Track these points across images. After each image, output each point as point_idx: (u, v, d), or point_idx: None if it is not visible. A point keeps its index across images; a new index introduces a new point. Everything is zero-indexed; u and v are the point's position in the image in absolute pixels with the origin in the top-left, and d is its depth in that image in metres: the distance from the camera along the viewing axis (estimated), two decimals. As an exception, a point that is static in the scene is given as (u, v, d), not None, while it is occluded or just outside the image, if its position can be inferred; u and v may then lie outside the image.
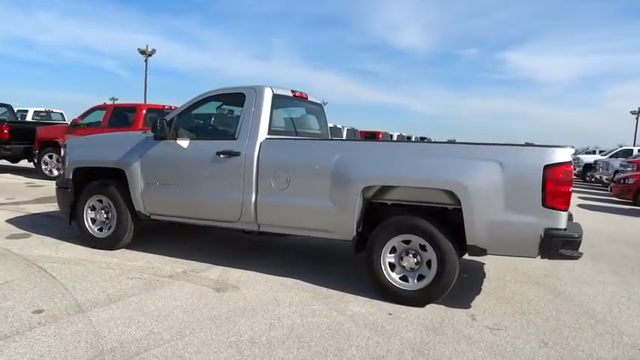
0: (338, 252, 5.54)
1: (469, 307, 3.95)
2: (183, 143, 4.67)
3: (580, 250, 3.59)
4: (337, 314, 3.64)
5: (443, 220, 3.85)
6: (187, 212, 4.74)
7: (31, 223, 6.19)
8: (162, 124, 4.64)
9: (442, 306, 3.88)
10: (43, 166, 11.03)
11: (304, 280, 4.35)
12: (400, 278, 3.93)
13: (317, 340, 3.15)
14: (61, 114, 19.50)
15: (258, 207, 4.35)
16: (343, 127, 18.25)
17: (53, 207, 7.45)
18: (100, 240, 5.12)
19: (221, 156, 4.46)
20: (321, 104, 5.67)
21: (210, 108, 5.20)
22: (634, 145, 25.03)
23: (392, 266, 3.96)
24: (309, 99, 5.34)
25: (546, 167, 3.45)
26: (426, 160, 3.81)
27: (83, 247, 5.13)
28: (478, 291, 4.38)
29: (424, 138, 31.13)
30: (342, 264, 5.08)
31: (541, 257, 3.61)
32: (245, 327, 3.31)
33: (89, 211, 5.18)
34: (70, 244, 5.25)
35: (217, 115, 5.18)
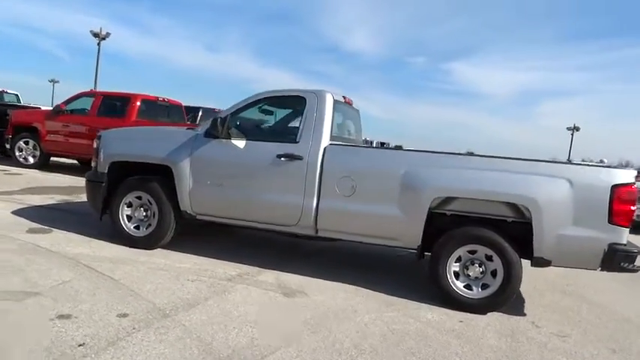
0: (375, 257, 5.65)
1: (524, 314, 4.18)
2: (239, 143, 4.59)
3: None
4: (414, 321, 3.74)
5: (504, 232, 4.05)
6: (240, 214, 4.66)
7: (42, 217, 5.79)
8: (219, 123, 4.53)
9: (501, 313, 4.08)
10: (17, 153, 10.25)
11: (361, 286, 4.41)
12: (464, 286, 4.10)
13: (416, 347, 3.25)
14: (17, 95, 18.23)
15: (320, 212, 4.36)
16: None
17: (51, 199, 7.06)
18: (137, 238, 4.91)
19: (282, 159, 4.44)
20: (358, 110, 5.75)
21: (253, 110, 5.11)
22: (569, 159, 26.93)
23: (456, 275, 4.12)
24: (352, 105, 5.41)
25: (614, 187, 3.73)
26: (496, 175, 3.99)
27: (118, 245, 4.90)
28: (522, 300, 4.63)
29: (384, 143, 31.69)
30: (387, 269, 5.21)
31: (601, 270, 3.89)
32: (340, 334, 3.34)
33: (125, 208, 4.96)
34: (101, 241, 4.99)
35: (272, 117, 5.13)
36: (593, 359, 3.40)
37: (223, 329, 3.20)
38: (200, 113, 12.51)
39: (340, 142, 4.63)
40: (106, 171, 4.98)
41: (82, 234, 5.20)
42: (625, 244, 3.80)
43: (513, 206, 4.00)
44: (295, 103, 4.70)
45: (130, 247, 4.89)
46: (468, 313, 4.00)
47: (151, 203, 4.89)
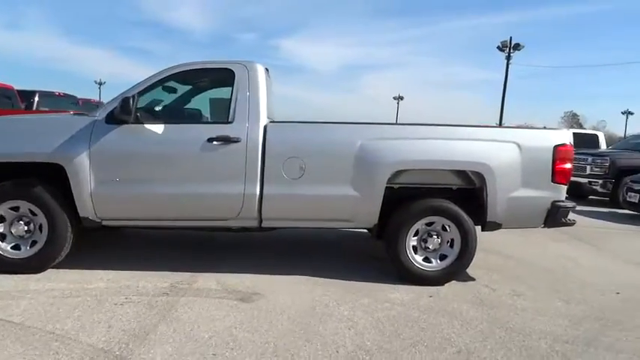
0: (307, 239, 5.26)
1: (474, 279, 4.24)
2: (156, 128, 3.75)
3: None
4: (390, 305, 3.51)
5: (459, 201, 4.03)
6: (162, 213, 3.85)
7: None
8: (126, 105, 3.62)
9: (457, 282, 4.08)
10: None
11: (312, 276, 4.03)
12: (423, 260, 3.99)
13: (415, 335, 3.01)
14: None
15: (265, 200, 3.82)
16: None
17: None
18: (17, 262, 3.74)
19: (214, 143, 3.75)
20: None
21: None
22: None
23: (414, 249, 3.99)
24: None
25: (555, 147, 3.93)
26: (449, 143, 3.91)
27: (-12, 274, 3.70)
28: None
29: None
30: (325, 251, 4.89)
31: (544, 226, 4.10)
32: (334, 336, 2.94)
33: (-5, 225, 3.74)
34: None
35: (190, 95, 4.29)
36: (555, 311, 3.55)
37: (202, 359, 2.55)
38: (36, 98, 10.43)
39: (284, 120, 4.09)
40: (-41, 178, 3.67)
41: None
42: (564, 201, 4.06)
43: (464, 174, 3.99)
44: (220, 77, 4.02)
45: (6, 273, 3.73)
46: (429, 287, 3.91)
47: (34, 214, 3.76)
